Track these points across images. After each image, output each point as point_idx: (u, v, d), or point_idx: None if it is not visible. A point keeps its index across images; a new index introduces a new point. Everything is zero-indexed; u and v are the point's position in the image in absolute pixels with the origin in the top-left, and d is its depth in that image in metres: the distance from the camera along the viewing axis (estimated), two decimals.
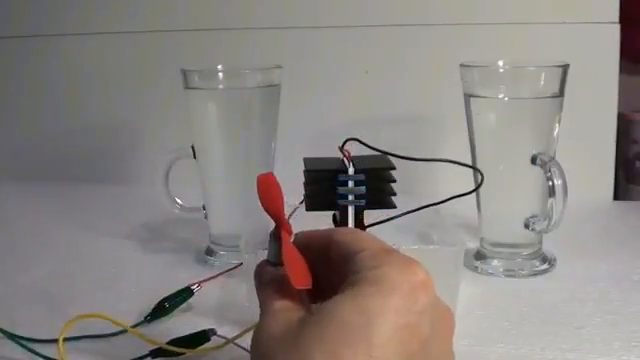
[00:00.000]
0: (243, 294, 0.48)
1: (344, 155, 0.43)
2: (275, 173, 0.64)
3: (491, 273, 0.56)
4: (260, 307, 0.32)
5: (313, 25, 0.79)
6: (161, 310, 0.48)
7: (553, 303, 0.50)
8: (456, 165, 0.47)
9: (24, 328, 0.46)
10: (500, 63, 0.56)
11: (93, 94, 0.88)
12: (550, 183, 0.51)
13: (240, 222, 0.53)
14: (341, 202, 0.42)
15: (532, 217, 0.55)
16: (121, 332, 0.45)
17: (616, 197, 0.79)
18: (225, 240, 0.60)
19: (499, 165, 0.56)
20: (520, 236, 0.56)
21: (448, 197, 0.43)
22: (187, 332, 0.44)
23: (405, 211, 0.44)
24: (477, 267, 0.57)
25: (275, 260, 0.33)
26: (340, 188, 0.42)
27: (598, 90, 0.76)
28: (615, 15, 0.75)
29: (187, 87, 0.59)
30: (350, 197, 0.42)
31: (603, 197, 0.78)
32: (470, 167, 0.49)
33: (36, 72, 0.89)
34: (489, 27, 0.76)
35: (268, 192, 0.32)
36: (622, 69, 0.76)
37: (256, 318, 0.35)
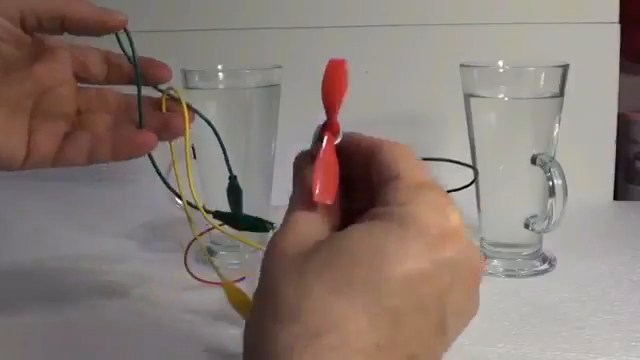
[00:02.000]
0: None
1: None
2: (275, 173, 0.65)
3: (491, 273, 0.56)
4: (288, 205, 0.29)
5: (313, 25, 0.79)
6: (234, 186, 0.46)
7: (553, 303, 0.50)
8: (456, 165, 0.47)
9: (22, 324, 0.46)
10: (500, 63, 0.56)
11: None
12: (550, 183, 0.51)
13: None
14: None
15: (532, 217, 0.55)
16: None
17: (616, 197, 0.79)
18: (225, 240, 0.60)
19: (499, 165, 0.56)
20: (520, 236, 0.56)
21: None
22: (186, 331, 0.44)
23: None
24: None
25: (315, 155, 0.30)
26: None
27: (598, 90, 0.76)
28: (615, 15, 0.75)
29: (187, 87, 0.58)
30: None
31: (603, 197, 0.78)
32: (465, 165, 0.49)
33: None
34: (489, 27, 0.76)
35: (333, 80, 0.29)
36: (622, 69, 0.76)
37: None
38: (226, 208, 0.47)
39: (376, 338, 0.24)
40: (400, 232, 0.25)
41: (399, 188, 0.27)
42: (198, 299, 0.51)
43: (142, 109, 0.41)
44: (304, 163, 0.31)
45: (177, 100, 0.42)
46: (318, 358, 0.23)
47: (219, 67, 0.60)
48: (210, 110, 0.59)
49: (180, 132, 0.42)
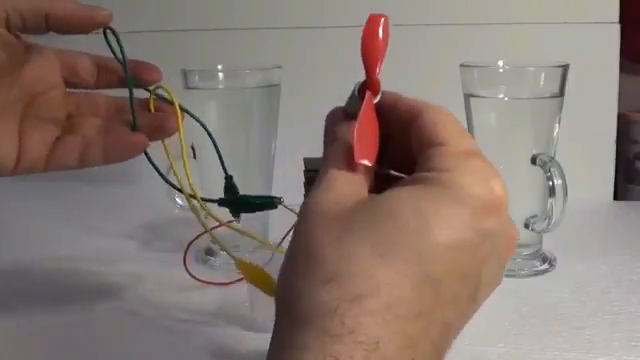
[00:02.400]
0: (243, 293, 0.48)
1: None
2: (275, 173, 0.65)
3: None
4: (322, 162, 0.29)
5: (313, 25, 0.79)
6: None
7: (553, 303, 0.50)
8: None
9: (21, 324, 0.46)
10: (500, 63, 0.56)
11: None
12: (550, 183, 0.51)
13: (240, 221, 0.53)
14: None
15: (532, 217, 0.55)
16: None
17: (616, 197, 0.79)
18: (225, 240, 0.60)
19: (499, 165, 0.55)
20: (520, 236, 0.56)
21: None
22: (186, 331, 0.44)
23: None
24: None
25: (350, 113, 0.29)
26: None
27: (598, 90, 0.76)
28: (615, 15, 0.75)
29: (187, 87, 0.58)
30: None
31: (603, 197, 0.78)
32: None
33: None
34: (489, 27, 0.76)
35: (373, 36, 0.28)
36: (622, 69, 0.76)
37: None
38: (224, 208, 0.47)
39: (419, 306, 0.24)
40: (444, 199, 0.25)
41: (444, 154, 0.27)
42: (198, 299, 0.51)
43: (135, 111, 0.41)
44: (337, 120, 0.30)
45: (166, 99, 0.42)
46: (359, 321, 0.23)
47: (219, 67, 0.60)
48: (210, 110, 0.59)
49: (170, 131, 0.41)
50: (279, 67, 0.59)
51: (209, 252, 0.61)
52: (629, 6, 0.76)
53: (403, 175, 0.28)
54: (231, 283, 0.52)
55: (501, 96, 0.55)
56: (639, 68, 0.82)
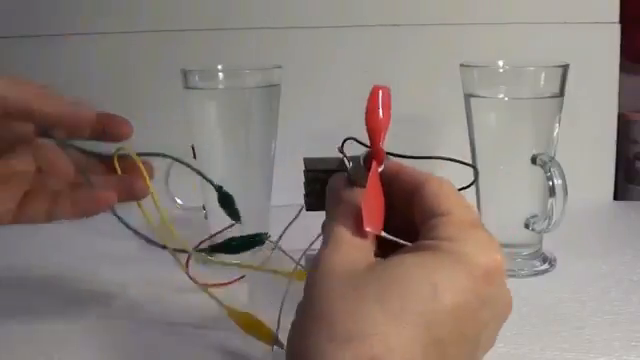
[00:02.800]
0: (244, 292, 0.48)
1: (344, 155, 0.43)
2: (275, 173, 0.64)
3: None
4: (326, 227, 0.30)
5: (313, 25, 0.79)
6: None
7: (553, 303, 0.50)
8: (456, 164, 0.47)
9: (19, 325, 0.46)
10: (500, 63, 0.56)
11: (92, 94, 0.88)
12: (550, 183, 0.51)
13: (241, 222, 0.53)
14: None
15: (532, 217, 0.55)
16: None
17: (616, 197, 0.79)
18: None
19: (499, 165, 0.56)
20: (520, 236, 0.56)
21: None
22: (186, 332, 0.44)
23: None
24: None
25: (354, 179, 0.31)
26: None
27: (598, 90, 0.76)
28: (615, 15, 0.75)
29: (187, 87, 0.58)
30: None
31: (603, 197, 0.78)
32: (465, 164, 0.49)
33: (36, 71, 0.89)
34: (489, 27, 0.76)
35: (377, 108, 0.30)
36: (622, 69, 0.76)
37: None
38: None
39: None
40: (451, 266, 0.27)
41: (447, 224, 0.28)
42: (198, 300, 0.51)
43: (88, 177, 0.41)
44: (342, 184, 0.32)
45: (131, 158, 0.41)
46: None
47: (219, 67, 0.60)
48: (210, 110, 0.59)
49: (141, 194, 0.41)
50: (279, 67, 0.59)
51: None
52: (629, 6, 0.76)
53: (407, 243, 0.29)
54: (230, 283, 0.52)
55: (501, 96, 0.55)
56: (639, 68, 0.82)
